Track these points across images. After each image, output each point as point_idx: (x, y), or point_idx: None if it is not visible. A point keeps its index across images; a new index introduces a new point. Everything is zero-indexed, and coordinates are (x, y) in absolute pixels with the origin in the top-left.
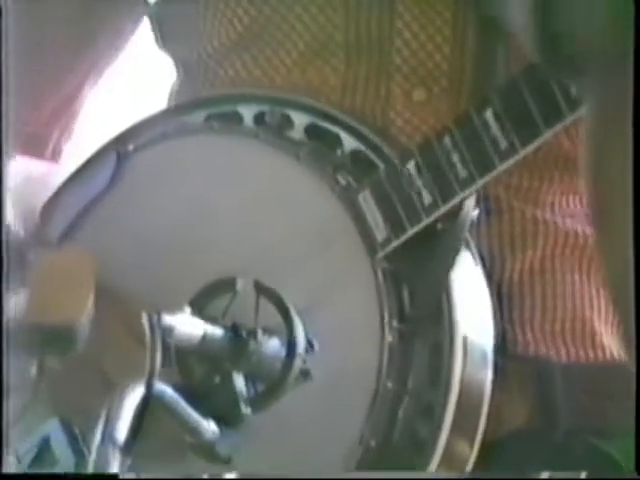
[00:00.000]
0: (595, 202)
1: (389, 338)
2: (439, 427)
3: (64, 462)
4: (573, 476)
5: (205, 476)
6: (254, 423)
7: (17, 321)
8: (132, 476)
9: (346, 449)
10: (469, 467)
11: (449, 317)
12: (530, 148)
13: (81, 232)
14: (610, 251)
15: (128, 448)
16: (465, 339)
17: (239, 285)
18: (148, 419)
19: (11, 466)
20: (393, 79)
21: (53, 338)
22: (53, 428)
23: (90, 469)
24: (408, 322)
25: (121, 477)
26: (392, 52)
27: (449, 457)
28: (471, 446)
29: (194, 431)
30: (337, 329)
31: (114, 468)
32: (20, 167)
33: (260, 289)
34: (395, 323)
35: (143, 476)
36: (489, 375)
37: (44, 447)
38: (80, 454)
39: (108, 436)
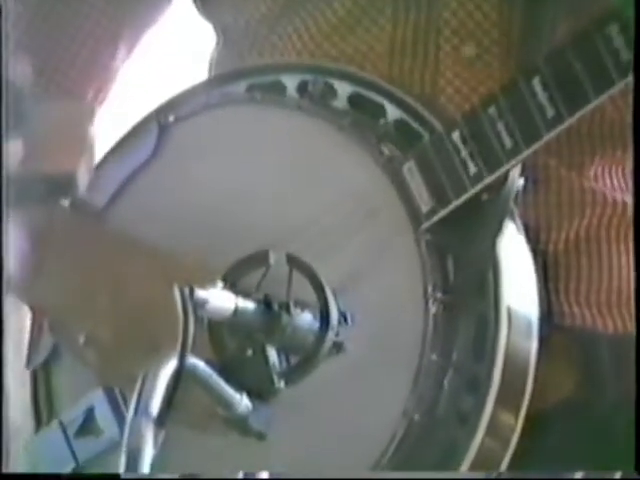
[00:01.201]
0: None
1: (433, 310)
2: (484, 400)
3: (108, 432)
4: (607, 476)
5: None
6: (291, 397)
7: (19, 170)
8: (132, 476)
9: (389, 422)
10: (515, 439)
11: (494, 289)
12: (577, 116)
13: (124, 202)
14: None
15: (161, 421)
16: (510, 311)
17: (272, 259)
18: (182, 392)
19: (55, 435)
20: (442, 35)
21: (55, 186)
22: (98, 399)
23: (124, 441)
24: (452, 294)
25: (123, 477)
26: (440, 5)
27: (494, 430)
28: (516, 418)
29: (227, 405)
30: (381, 301)
31: (148, 440)
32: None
33: (293, 262)
34: (439, 295)
35: (144, 476)
36: (534, 347)
37: (89, 417)
38: (124, 423)
39: (142, 408)
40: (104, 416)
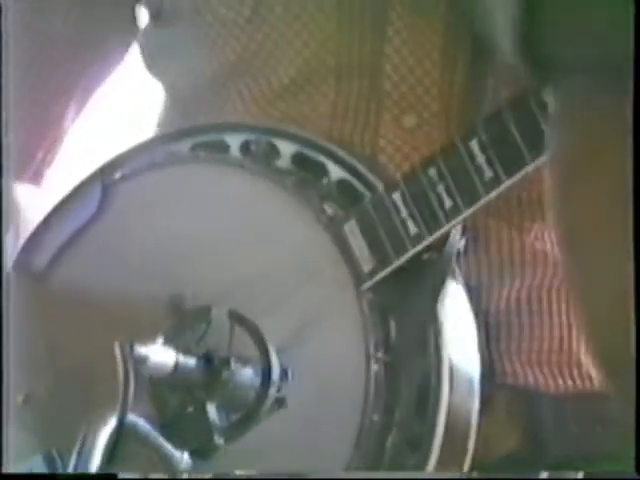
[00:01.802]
0: (563, 235)
1: (375, 368)
2: (426, 459)
3: None
4: (571, 476)
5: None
6: (232, 453)
7: None
8: (132, 476)
9: None
10: None
11: (435, 348)
12: (515, 178)
13: (68, 260)
14: (582, 283)
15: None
16: (452, 370)
17: (213, 314)
18: (122, 451)
19: None
20: (383, 105)
21: None
22: (36, 464)
23: None
24: (394, 352)
25: (120, 477)
26: (382, 77)
27: None
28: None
29: (167, 462)
30: (323, 359)
31: None
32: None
33: (234, 318)
34: (381, 354)
35: (142, 476)
36: (476, 405)
37: None
38: None
39: (82, 466)
40: None
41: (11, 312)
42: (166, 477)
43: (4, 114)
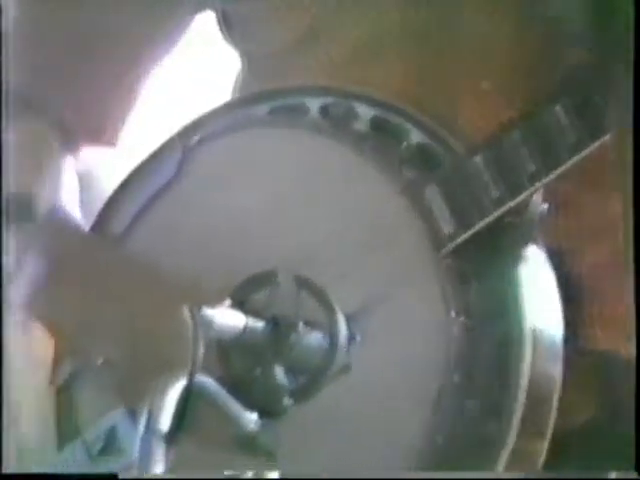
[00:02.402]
0: None
1: (454, 333)
2: (507, 426)
3: (130, 452)
4: (607, 476)
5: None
6: (304, 416)
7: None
8: (132, 476)
9: (410, 445)
10: (540, 463)
11: (516, 313)
12: (599, 143)
13: (146, 223)
14: None
15: (171, 439)
16: (534, 335)
17: (280, 278)
18: (192, 411)
19: (78, 453)
20: (460, 67)
21: (18, 206)
22: (119, 418)
23: (135, 459)
24: (474, 318)
25: (120, 477)
26: (461, 41)
27: (518, 455)
28: (542, 442)
29: (236, 423)
30: (402, 323)
31: (158, 459)
32: (81, 153)
33: (301, 282)
34: (461, 319)
35: (145, 476)
36: (559, 370)
37: (111, 437)
38: None
39: (151, 427)
40: (126, 436)
41: (89, 277)
42: (167, 477)
43: (4, 112)
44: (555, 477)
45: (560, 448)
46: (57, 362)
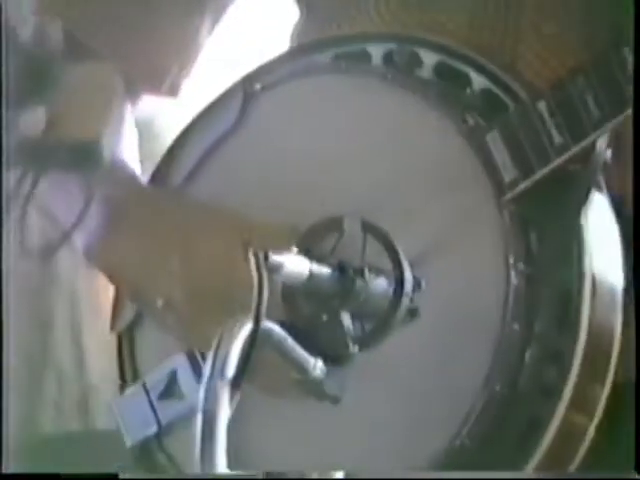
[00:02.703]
0: None
1: (515, 281)
2: (567, 373)
3: (191, 396)
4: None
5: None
6: (367, 362)
7: (43, 137)
8: (133, 476)
9: (470, 392)
10: (600, 411)
11: (578, 260)
12: None
13: (207, 171)
14: None
15: (237, 383)
16: (594, 283)
17: (346, 224)
18: (257, 356)
19: (139, 397)
20: (522, 11)
21: (77, 154)
22: (180, 362)
23: (200, 404)
24: (535, 265)
25: (121, 477)
26: None
27: (578, 402)
28: (602, 389)
29: (302, 368)
30: (463, 270)
31: (224, 402)
32: (142, 104)
33: (367, 228)
34: (521, 266)
35: (148, 476)
36: (619, 317)
37: (172, 380)
38: None
39: (217, 370)
40: (186, 380)
41: (150, 224)
42: (167, 477)
43: (4, 111)
44: (561, 477)
45: (624, 393)
46: (118, 308)
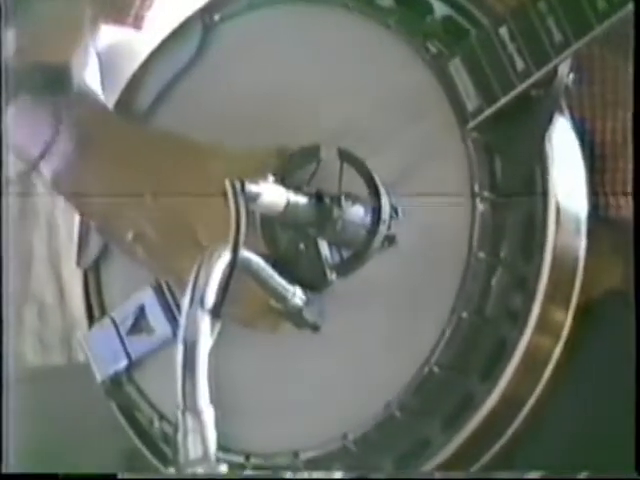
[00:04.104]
0: None
1: (480, 208)
2: (532, 298)
3: (160, 330)
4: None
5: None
6: (343, 290)
7: (15, 61)
8: (131, 476)
9: (438, 320)
10: (565, 332)
11: (542, 187)
12: (628, 9)
13: (169, 102)
14: None
15: (216, 312)
16: (558, 208)
17: (323, 153)
18: (236, 286)
19: (108, 331)
20: None
21: (50, 77)
22: (148, 297)
23: (181, 334)
24: (500, 192)
25: (119, 477)
26: None
27: (544, 326)
28: (566, 313)
29: (281, 297)
30: (427, 199)
31: (204, 331)
32: (105, 34)
33: (344, 156)
34: (486, 193)
35: (142, 476)
36: (583, 242)
37: (140, 315)
38: (174, 321)
39: (197, 300)
40: (154, 314)
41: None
42: (167, 477)
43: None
44: (561, 477)
45: (588, 314)
46: (84, 241)
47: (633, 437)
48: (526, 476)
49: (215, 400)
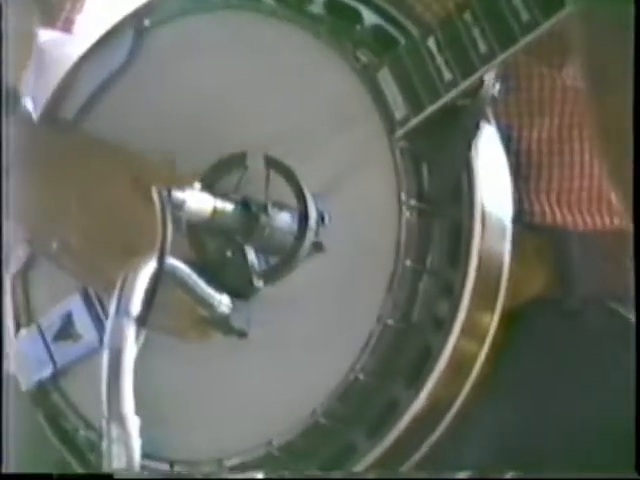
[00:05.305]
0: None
1: (407, 216)
2: (458, 304)
3: (87, 337)
4: (607, 476)
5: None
6: (269, 297)
7: None
8: (127, 476)
9: (364, 327)
10: (489, 338)
11: (469, 195)
12: (553, 21)
13: (99, 108)
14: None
15: (142, 320)
16: (484, 215)
17: (249, 160)
18: (162, 294)
19: (34, 338)
20: None
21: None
22: (75, 304)
23: (106, 342)
24: (427, 201)
25: (116, 477)
26: None
27: (469, 332)
28: (491, 319)
29: (208, 305)
30: (356, 207)
31: (130, 339)
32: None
33: (271, 163)
34: (413, 201)
35: (142, 475)
36: (508, 248)
37: (67, 322)
38: (101, 329)
39: (122, 308)
40: (82, 321)
41: (44, 164)
42: (167, 478)
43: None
44: (561, 477)
45: (513, 320)
46: (12, 249)
47: (633, 437)
48: (523, 476)
49: (140, 408)
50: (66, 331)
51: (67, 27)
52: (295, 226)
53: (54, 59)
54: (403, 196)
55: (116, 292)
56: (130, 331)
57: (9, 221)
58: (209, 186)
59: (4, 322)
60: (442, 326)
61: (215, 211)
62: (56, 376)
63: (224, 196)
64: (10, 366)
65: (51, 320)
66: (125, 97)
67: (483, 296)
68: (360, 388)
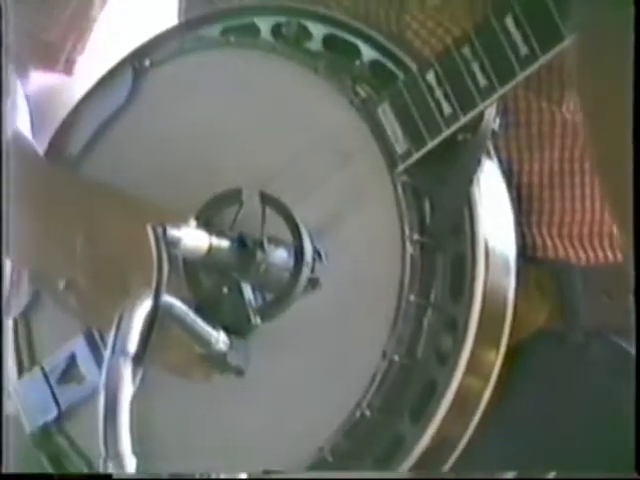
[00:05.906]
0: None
1: (410, 251)
2: (463, 339)
3: (90, 378)
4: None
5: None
6: (268, 334)
7: None
8: (129, 476)
9: (369, 363)
10: (495, 374)
11: (471, 229)
12: (551, 54)
13: (99, 147)
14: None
15: (139, 359)
16: (487, 249)
17: (245, 196)
18: (160, 333)
19: (37, 381)
20: None
21: None
22: (79, 345)
23: (102, 382)
24: (429, 235)
25: (115, 477)
26: None
27: (474, 368)
28: (496, 354)
29: (205, 342)
30: (358, 242)
31: (126, 378)
32: (35, 80)
33: (266, 200)
34: (416, 236)
35: (140, 476)
36: (512, 282)
37: (71, 363)
38: None
39: (119, 348)
40: (86, 362)
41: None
42: (166, 478)
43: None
44: (561, 477)
45: (515, 355)
46: (14, 290)
47: (633, 439)
48: (521, 476)
49: (136, 447)
50: (70, 373)
51: (68, 69)
52: (291, 262)
53: (56, 101)
54: (406, 230)
55: (112, 331)
56: (127, 370)
57: (9, 260)
58: (205, 223)
59: (5, 363)
60: (447, 361)
61: (211, 248)
62: (60, 419)
63: (220, 233)
64: (10, 407)
65: (55, 362)
66: (125, 135)
67: (488, 330)
68: (366, 424)
